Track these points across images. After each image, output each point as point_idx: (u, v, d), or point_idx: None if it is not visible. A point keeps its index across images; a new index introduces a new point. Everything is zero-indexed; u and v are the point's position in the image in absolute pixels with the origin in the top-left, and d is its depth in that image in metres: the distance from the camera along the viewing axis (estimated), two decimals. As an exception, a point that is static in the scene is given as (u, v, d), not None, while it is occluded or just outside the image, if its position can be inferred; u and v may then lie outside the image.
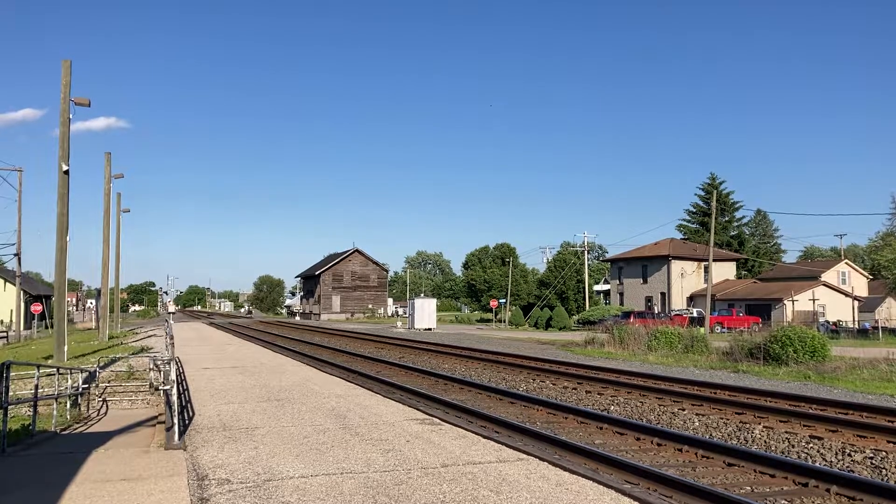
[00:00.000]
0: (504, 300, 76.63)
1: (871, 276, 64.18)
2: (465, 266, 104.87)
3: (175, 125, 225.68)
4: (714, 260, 46.92)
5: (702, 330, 32.85)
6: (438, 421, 10.10)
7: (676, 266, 64.52)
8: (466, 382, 18.03)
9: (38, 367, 10.55)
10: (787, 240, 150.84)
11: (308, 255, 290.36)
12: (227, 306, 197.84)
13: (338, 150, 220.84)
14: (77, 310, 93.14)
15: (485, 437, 8.84)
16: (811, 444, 10.48)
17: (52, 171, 22.13)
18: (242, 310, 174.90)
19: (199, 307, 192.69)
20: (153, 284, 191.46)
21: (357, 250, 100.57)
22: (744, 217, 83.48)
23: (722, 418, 12.73)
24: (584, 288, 78.82)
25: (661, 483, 7.69)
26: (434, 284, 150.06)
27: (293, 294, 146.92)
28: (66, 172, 21.99)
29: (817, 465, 9.27)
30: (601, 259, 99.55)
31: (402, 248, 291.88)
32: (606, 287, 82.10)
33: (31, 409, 10.53)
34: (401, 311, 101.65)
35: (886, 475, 8.95)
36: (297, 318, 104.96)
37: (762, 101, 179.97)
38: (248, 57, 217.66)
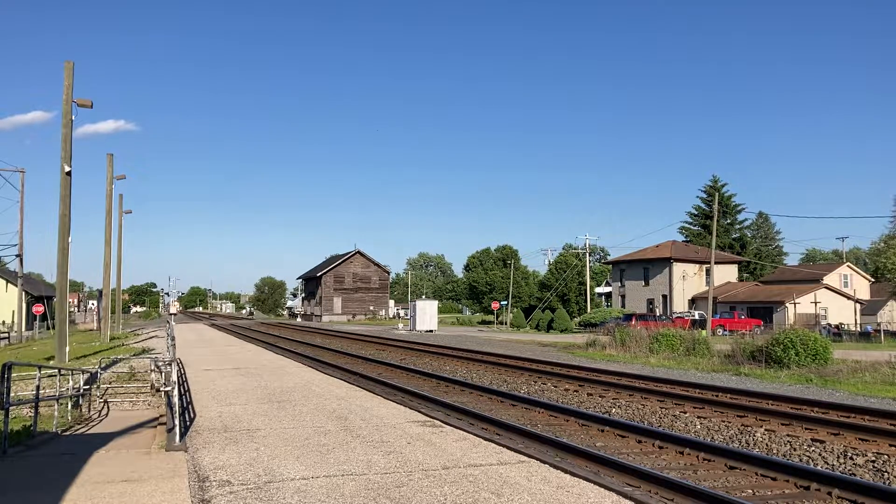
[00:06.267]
0: (505, 302, 76.60)
1: (873, 279, 64.05)
2: (467, 268, 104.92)
3: (178, 127, 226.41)
4: (716, 262, 46.87)
5: (703, 332, 32.79)
6: (439, 423, 10.09)
7: (678, 268, 64.47)
8: (468, 384, 18.02)
9: (40, 367, 10.55)
10: (788, 242, 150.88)
11: (309, 257, 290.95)
12: (228, 308, 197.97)
13: (339, 152, 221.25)
14: (79, 311, 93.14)
15: (486, 439, 8.83)
16: (813, 448, 10.46)
17: (58, 173, 22.18)
18: (244, 311, 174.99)
19: (201, 308, 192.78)
20: (155, 286, 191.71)
21: (358, 252, 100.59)
22: (746, 220, 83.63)
23: (724, 421, 12.71)
24: (585, 290, 78.85)
25: (663, 486, 7.68)
26: (435, 286, 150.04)
27: (294, 296, 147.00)
28: (69, 174, 22.03)
29: (819, 468, 9.24)
30: (603, 261, 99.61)
31: (403, 250, 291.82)
32: (608, 289, 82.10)
33: (32, 410, 10.55)
34: (402, 312, 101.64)
35: (888, 478, 8.92)
36: (299, 319, 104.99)
37: (764, 103, 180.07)
38: (249, 59, 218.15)
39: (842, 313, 56.50)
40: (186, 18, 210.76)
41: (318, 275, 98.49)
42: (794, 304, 53.83)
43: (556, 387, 18.29)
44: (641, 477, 8.04)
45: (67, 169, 21.94)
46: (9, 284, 55.55)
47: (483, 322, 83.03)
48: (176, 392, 8.79)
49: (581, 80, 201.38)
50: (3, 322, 54.79)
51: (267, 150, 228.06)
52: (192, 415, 10.83)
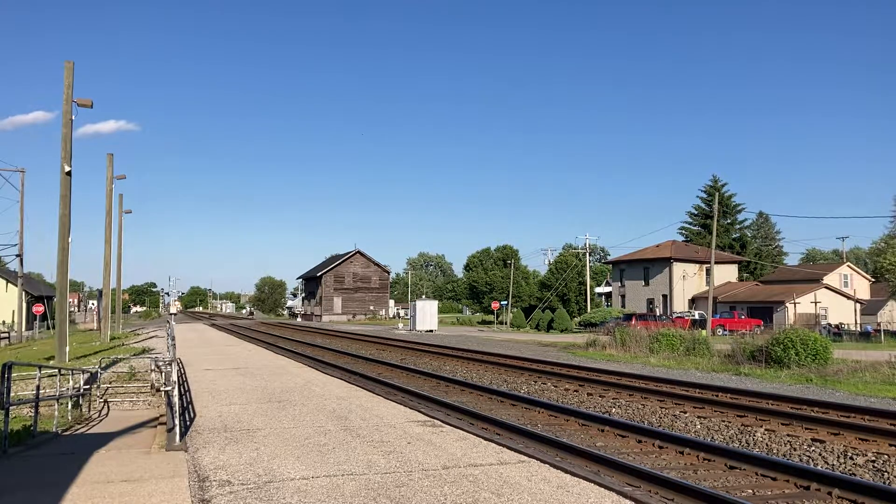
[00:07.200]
0: (505, 302, 76.59)
1: (873, 279, 64.00)
2: (467, 268, 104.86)
3: (179, 127, 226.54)
4: (716, 262, 46.87)
5: (703, 332, 32.78)
6: (440, 423, 10.09)
7: (678, 268, 64.45)
8: (468, 384, 18.02)
9: (40, 367, 10.55)
10: (788, 242, 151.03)
11: (310, 257, 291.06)
12: (228, 307, 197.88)
13: (339, 152, 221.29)
14: (79, 311, 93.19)
15: (486, 439, 8.83)
16: (813, 447, 10.46)
17: (58, 173, 22.19)
18: (244, 311, 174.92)
19: (201, 308, 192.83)
20: (155, 286, 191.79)
21: (359, 252, 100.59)
22: (746, 219, 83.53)
23: (724, 421, 12.71)
24: (585, 290, 78.82)
25: (663, 485, 7.68)
26: (435, 286, 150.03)
27: (294, 295, 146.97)
28: (69, 174, 22.02)
29: (819, 468, 9.24)
30: (603, 261, 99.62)
31: (403, 250, 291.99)
32: (608, 289, 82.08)
33: (32, 410, 10.55)
34: (402, 312, 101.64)
35: (888, 478, 8.92)
36: (299, 319, 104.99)
37: (765, 103, 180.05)
38: (250, 58, 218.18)
39: (842, 313, 56.47)
40: (186, 18, 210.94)
41: (319, 275, 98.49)
42: (795, 303, 53.81)
43: (556, 387, 18.29)
44: (641, 477, 8.04)
45: (67, 169, 21.93)
46: (9, 284, 55.56)
47: (483, 322, 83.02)
48: (176, 392, 8.80)
49: (581, 80, 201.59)
50: (4, 322, 54.80)
51: (267, 150, 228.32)
52: (192, 415, 10.83)
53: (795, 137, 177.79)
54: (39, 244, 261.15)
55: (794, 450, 10.47)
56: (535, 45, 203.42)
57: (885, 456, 9.71)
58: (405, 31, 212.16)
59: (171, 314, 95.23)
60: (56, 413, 11.42)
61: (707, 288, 48.20)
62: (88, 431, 11.28)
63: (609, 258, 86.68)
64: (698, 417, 13.10)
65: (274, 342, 37.78)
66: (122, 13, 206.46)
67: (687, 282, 64.45)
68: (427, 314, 57.53)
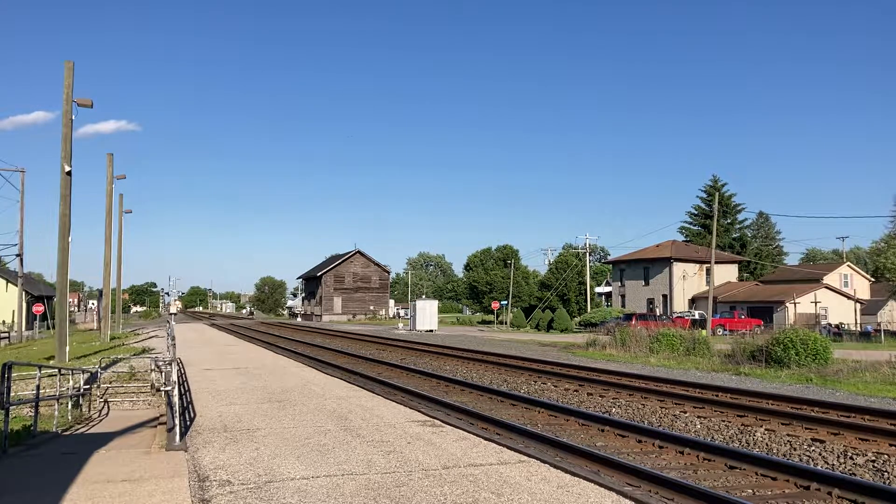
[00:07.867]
0: (506, 302, 76.58)
1: (873, 279, 64.00)
2: (467, 268, 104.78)
3: (179, 127, 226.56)
4: (716, 262, 46.86)
5: (703, 332, 32.76)
6: (440, 423, 10.09)
7: (678, 268, 64.45)
8: (468, 384, 18.02)
9: (40, 367, 10.55)
10: (789, 242, 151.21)
11: (310, 257, 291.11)
12: (228, 307, 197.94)
13: (339, 151, 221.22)
14: (79, 310, 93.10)
15: (486, 438, 8.83)
16: (813, 447, 10.46)
17: (58, 173, 22.19)
18: (244, 311, 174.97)
19: (201, 308, 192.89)
20: (155, 286, 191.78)
21: (359, 251, 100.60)
22: (746, 219, 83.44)
23: (724, 421, 12.70)
24: (585, 290, 78.80)
25: (663, 485, 7.68)
26: (436, 286, 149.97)
27: (295, 295, 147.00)
28: (69, 174, 22.02)
29: (819, 468, 9.24)
30: (603, 261, 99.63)
31: (403, 250, 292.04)
32: (608, 289, 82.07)
33: (32, 410, 10.55)
34: (402, 312, 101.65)
35: (888, 478, 8.92)
36: (299, 319, 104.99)
37: (764, 103, 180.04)
38: (250, 59, 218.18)
39: (842, 313, 56.48)
40: (186, 18, 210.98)
41: (319, 274, 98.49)
42: (795, 303, 53.80)
43: (556, 386, 18.29)
44: (641, 477, 8.04)
45: (67, 169, 21.93)
46: (9, 284, 55.53)
47: (483, 322, 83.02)
48: (176, 392, 8.80)
49: (581, 80, 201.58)
50: (4, 322, 54.77)
51: (267, 150, 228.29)
52: (192, 414, 10.83)
53: (795, 137, 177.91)
54: (39, 244, 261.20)
55: (794, 450, 10.47)
56: (535, 45, 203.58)
57: (885, 456, 9.71)
58: (404, 31, 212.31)
59: (171, 314, 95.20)
60: (56, 413, 11.43)
61: (707, 288, 48.19)
62: (88, 431, 11.28)
63: (609, 258, 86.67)
64: (698, 417, 13.10)
65: (274, 342, 37.78)
66: (122, 13, 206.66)
67: (687, 282, 64.44)
68: (427, 314, 57.52)
